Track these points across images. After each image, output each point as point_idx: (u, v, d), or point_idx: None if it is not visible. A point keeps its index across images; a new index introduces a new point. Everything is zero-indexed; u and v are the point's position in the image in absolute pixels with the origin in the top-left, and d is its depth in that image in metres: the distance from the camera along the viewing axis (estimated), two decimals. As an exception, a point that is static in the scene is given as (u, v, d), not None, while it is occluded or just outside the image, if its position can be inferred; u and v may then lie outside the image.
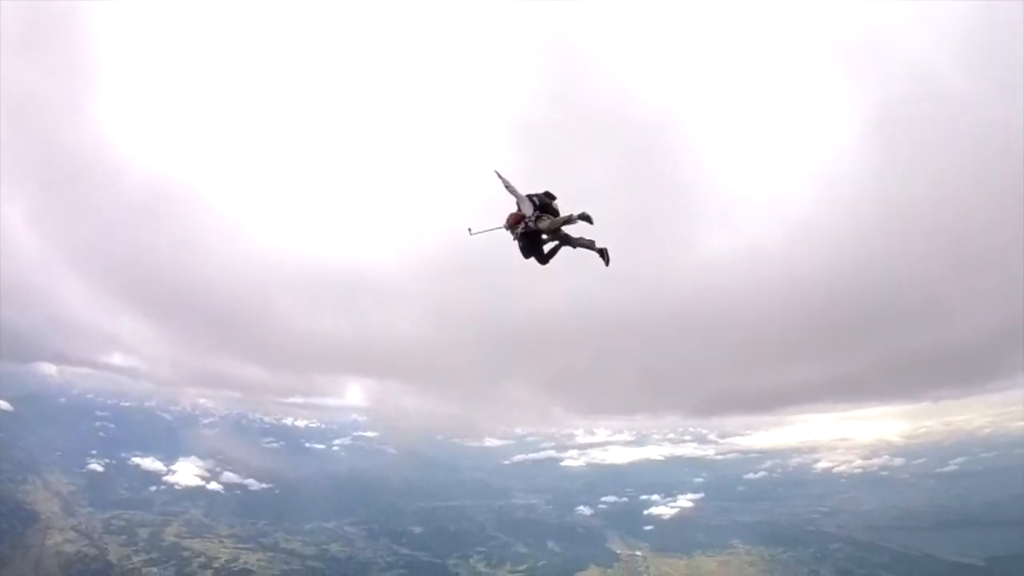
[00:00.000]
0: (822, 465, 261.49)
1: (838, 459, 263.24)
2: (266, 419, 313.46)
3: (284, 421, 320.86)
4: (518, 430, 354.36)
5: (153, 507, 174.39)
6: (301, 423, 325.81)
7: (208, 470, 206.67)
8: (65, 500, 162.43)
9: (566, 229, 20.62)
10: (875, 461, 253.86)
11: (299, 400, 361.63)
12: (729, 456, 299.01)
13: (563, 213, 20.71)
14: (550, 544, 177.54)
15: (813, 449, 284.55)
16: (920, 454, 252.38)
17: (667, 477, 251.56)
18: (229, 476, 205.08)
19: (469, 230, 20.83)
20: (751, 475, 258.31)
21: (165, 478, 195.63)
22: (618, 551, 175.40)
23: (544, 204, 20.40)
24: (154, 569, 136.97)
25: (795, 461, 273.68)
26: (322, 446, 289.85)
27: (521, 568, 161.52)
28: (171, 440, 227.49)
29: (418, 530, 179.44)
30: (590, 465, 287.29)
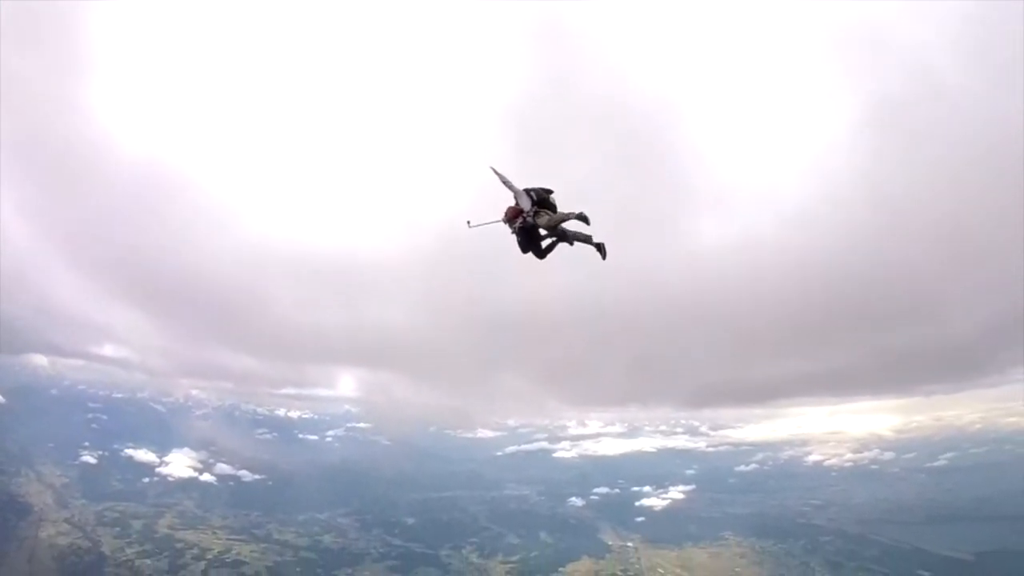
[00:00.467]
0: (813, 458, 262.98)
1: (829, 452, 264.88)
2: (259, 410, 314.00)
3: (277, 412, 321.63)
4: (511, 421, 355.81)
5: (146, 499, 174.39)
6: (294, 414, 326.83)
7: (201, 461, 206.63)
8: (58, 492, 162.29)
9: (563, 225, 20.86)
10: (866, 455, 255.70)
11: (292, 391, 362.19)
12: (720, 448, 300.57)
13: (560, 207, 20.93)
14: (542, 535, 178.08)
15: (804, 442, 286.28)
16: (911, 448, 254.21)
17: (659, 469, 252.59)
18: (222, 467, 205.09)
19: (468, 223, 20.93)
20: (742, 467, 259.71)
21: (158, 470, 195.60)
22: (610, 542, 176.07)
23: (542, 199, 20.55)
24: (147, 561, 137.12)
25: (786, 454, 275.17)
26: (315, 437, 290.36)
27: (513, 559, 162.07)
28: (164, 431, 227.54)
29: (411, 521, 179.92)
30: (582, 457, 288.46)
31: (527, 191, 20.50)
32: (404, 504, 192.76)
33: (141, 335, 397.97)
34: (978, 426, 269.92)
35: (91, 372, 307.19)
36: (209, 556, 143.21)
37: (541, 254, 21.16)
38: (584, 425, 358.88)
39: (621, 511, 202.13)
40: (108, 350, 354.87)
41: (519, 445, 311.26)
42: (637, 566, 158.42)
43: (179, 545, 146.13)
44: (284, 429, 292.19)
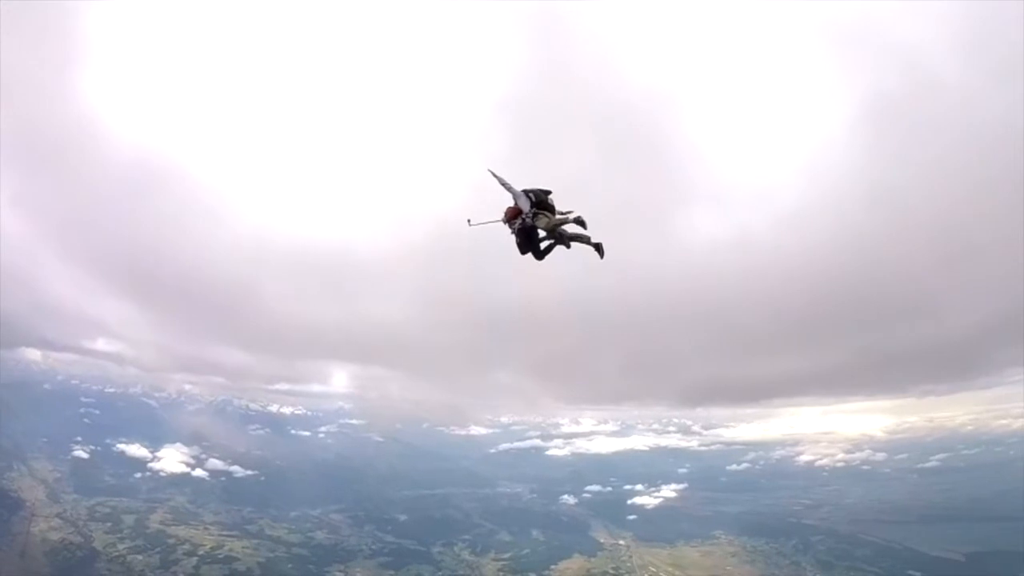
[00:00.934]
0: (805, 458, 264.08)
1: (821, 452, 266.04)
2: (252, 406, 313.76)
3: (270, 408, 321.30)
4: (504, 419, 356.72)
5: (138, 494, 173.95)
6: (287, 410, 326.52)
7: (193, 457, 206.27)
8: (50, 487, 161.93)
9: (561, 227, 20.96)
10: (858, 455, 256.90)
11: (285, 387, 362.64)
12: (713, 448, 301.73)
13: (557, 204, 21.00)
14: (534, 533, 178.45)
15: (796, 442, 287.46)
16: (903, 449, 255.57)
17: (651, 468, 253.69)
18: (214, 463, 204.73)
19: (468, 221, 20.98)
20: (734, 467, 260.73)
21: (150, 465, 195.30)
22: (602, 540, 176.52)
23: (540, 200, 20.54)
24: (139, 556, 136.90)
25: (778, 453, 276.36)
26: (308, 433, 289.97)
27: (505, 556, 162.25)
28: (156, 427, 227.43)
29: (403, 518, 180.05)
30: (575, 455, 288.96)
31: (525, 192, 20.43)
32: (397, 501, 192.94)
33: (134, 329, 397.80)
34: (970, 428, 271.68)
35: (84, 366, 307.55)
36: (201, 552, 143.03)
37: (540, 255, 21.24)
38: (577, 423, 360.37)
39: (613, 509, 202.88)
40: (101, 344, 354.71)
41: (512, 443, 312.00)
42: (629, 564, 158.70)
43: (171, 541, 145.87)
44: (277, 425, 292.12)
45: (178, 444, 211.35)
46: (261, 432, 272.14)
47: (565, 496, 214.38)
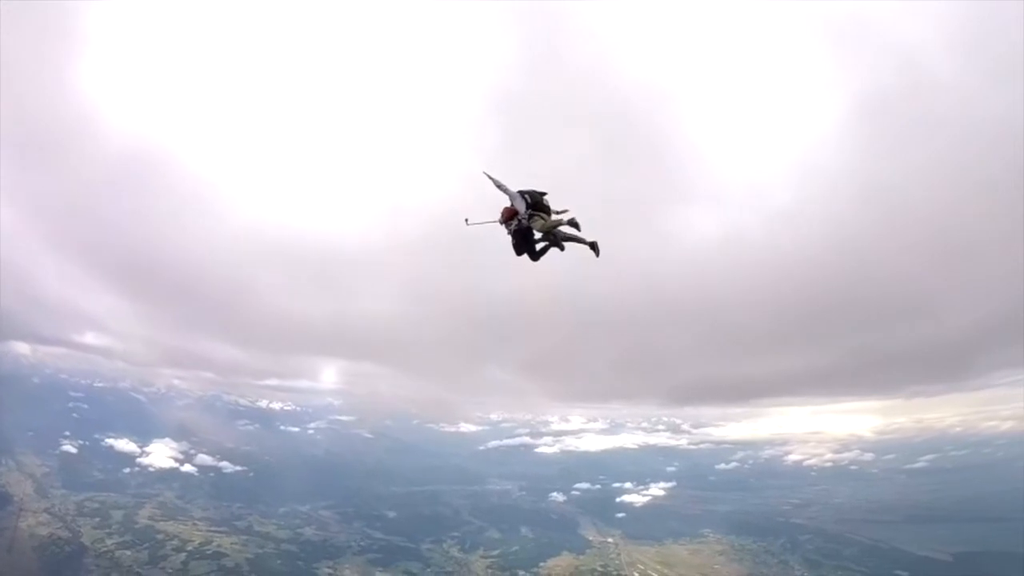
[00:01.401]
0: (793, 457, 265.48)
1: (809, 452, 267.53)
2: (241, 401, 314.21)
3: (259, 403, 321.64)
4: (493, 416, 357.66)
5: (127, 489, 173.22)
6: (276, 405, 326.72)
7: (182, 452, 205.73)
8: (38, 482, 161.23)
9: (556, 229, 21.18)
10: (846, 455, 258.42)
11: (274, 382, 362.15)
12: (702, 446, 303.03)
13: (550, 201, 21.24)
14: (523, 530, 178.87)
15: (785, 441, 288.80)
16: (891, 449, 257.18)
17: (640, 466, 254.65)
18: (203, 458, 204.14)
19: (466, 221, 21.15)
20: (723, 465, 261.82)
21: (139, 460, 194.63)
22: (590, 538, 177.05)
23: (536, 201, 20.80)
24: (127, 552, 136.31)
25: (767, 453, 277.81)
26: (297, 429, 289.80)
27: (494, 553, 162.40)
28: (145, 421, 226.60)
29: (392, 514, 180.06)
30: (564, 452, 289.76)
31: (521, 193, 20.73)
32: (386, 497, 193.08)
33: (123, 323, 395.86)
34: (958, 429, 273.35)
35: (73, 360, 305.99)
36: (189, 548, 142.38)
37: (535, 257, 21.50)
38: (566, 421, 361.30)
39: (602, 507, 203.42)
40: (90, 338, 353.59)
41: (501, 440, 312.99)
42: (617, 562, 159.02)
43: (159, 536, 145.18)
44: (266, 420, 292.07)
45: (167, 439, 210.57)
46: (250, 428, 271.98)
47: (554, 493, 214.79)
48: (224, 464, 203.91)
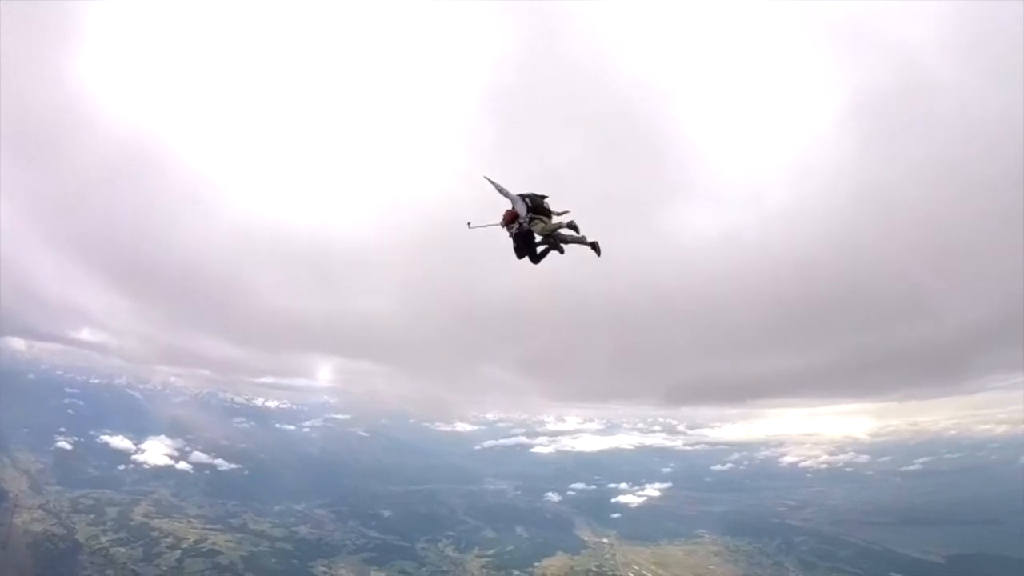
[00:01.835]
0: (789, 459, 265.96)
1: (805, 454, 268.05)
2: (237, 399, 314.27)
3: (255, 401, 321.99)
4: (489, 415, 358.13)
5: (121, 486, 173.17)
6: (272, 403, 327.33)
7: (177, 449, 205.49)
8: (33, 478, 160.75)
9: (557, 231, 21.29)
10: (841, 457, 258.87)
11: (270, 380, 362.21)
12: (697, 447, 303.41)
13: (548, 202, 21.36)
14: (518, 530, 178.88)
15: (780, 443, 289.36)
16: (886, 452, 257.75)
17: (636, 466, 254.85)
18: (198, 456, 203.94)
19: (468, 224, 21.30)
20: (718, 467, 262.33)
21: (134, 457, 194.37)
22: (585, 538, 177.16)
23: (536, 204, 20.97)
24: (122, 549, 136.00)
25: (762, 454, 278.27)
26: (292, 427, 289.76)
27: (489, 553, 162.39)
28: (140, 418, 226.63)
29: (387, 513, 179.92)
30: (560, 452, 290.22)
31: (522, 196, 20.88)
32: (381, 496, 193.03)
33: (119, 320, 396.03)
34: (953, 432, 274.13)
35: (69, 357, 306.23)
36: (184, 545, 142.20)
37: (535, 259, 21.62)
38: (563, 421, 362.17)
39: (597, 507, 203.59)
40: (86, 334, 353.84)
41: (498, 439, 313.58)
42: (612, 562, 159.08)
43: (154, 534, 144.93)
44: (262, 418, 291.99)
45: (162, 436, 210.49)
46: (246, 425, 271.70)
47: (550, 494, 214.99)
48: (219, 462, 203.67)
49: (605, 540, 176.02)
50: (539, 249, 21.54)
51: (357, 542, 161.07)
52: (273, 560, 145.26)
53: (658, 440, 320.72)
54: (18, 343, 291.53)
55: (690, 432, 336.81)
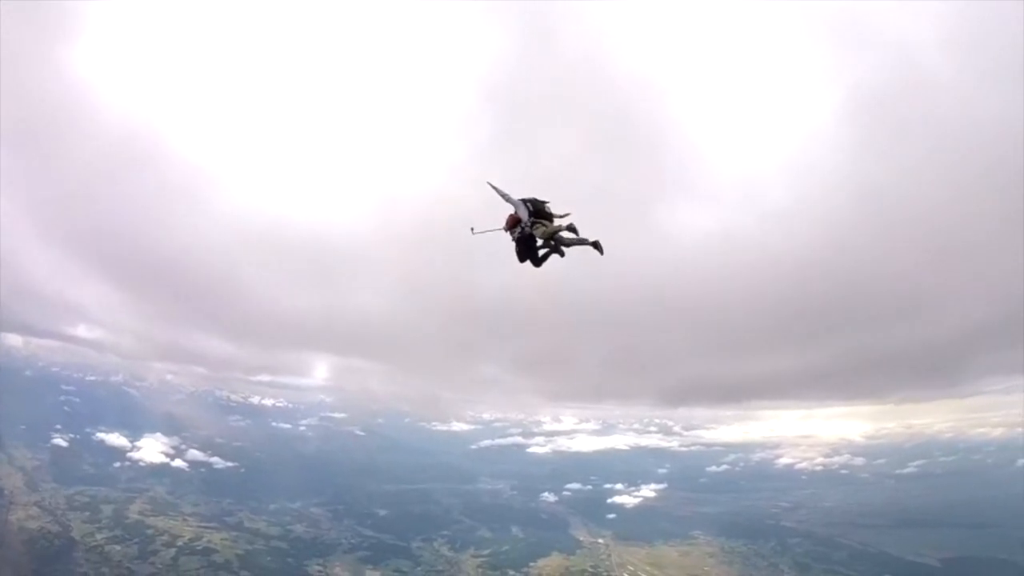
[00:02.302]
0: (784, 461, 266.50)
1: (800, 456, 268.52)
2: (233, 397, 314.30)
3: (251, 399, 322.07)
4: (485, 415, 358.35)
5: (117, 484, 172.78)
6: (268, 402, 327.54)
7: (173, 447, 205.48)
8: (29, 475, 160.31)
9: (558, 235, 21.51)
10: (836, 459, 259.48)
11: (266, 378, 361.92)
12: (693, 448, 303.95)
13: (547, 203, 21.51)
14: (514, 530, 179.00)
15: (776, 445, 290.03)
16: (881, 454, 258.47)
17: (631, 467, 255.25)
18: (194, 454, 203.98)
19: (472, 230, 21.51)
20: (714, 468, 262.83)
21: (130, 454, 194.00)
22: (581, 538, 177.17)
23: (538, 209, 21.22)
24: (117, 547, 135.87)
25: (758, 456, 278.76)
26: (288, 426, 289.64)
27: (484, 553, 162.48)
28: (136, 416, 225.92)
29: (383, 512, 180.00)
30: (556, 452, 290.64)
31: (524, 201, 21.12)
32: (377, 495, 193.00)
33: (115, 316, 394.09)
34: (948, 435, 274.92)
35: (65, 353, 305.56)
36: (179, 543, 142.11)
37: (537, 263, 21.85)
38: (559, 421, 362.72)
39: (593, 508, 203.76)
40: (82, 331, 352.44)
41: (493, 439, 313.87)
42: (607, 563, 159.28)
43: (149, 531, 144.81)
44: (258, 417, 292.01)
45: (158, 434, 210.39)
46: (242, 423, 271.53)
47: (545, 494, 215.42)
48: (215, 460, 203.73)
49: (600, 540, 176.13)
50: (541, 252, 21.79)
51: (352, 541, 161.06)
52: (268, 558, 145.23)
53: (654, 441, 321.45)
54: (15, 339, 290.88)
55: (686, 433, 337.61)
